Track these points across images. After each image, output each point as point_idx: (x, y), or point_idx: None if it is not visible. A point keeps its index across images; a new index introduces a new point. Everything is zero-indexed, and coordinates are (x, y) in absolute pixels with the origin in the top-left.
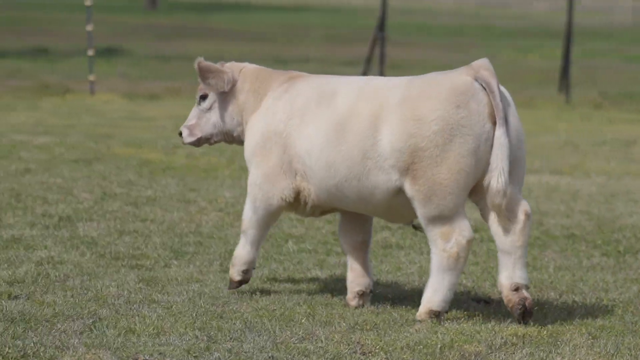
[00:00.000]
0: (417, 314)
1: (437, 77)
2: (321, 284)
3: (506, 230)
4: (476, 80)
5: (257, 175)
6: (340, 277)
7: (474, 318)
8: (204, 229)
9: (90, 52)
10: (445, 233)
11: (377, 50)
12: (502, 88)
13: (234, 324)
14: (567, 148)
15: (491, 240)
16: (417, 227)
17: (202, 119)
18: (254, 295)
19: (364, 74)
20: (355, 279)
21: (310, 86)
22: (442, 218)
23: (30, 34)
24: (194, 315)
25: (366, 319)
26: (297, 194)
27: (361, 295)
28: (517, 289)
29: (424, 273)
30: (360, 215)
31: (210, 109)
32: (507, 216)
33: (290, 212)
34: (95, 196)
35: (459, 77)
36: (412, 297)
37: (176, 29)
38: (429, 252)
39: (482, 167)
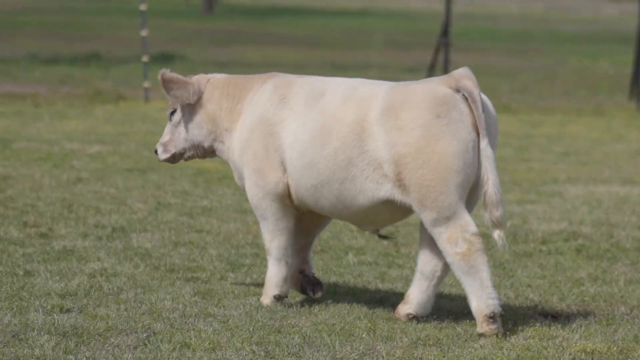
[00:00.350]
0: (477, 328)
1: (418, 86)
2: (382, 298)
3: (434, 257)
4: (458, 90)
5: (250, 174)
6: (402, 290)
7: (541, 333)
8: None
9: (145, 58)
10: (450, 237)
11: (441, 56)
12: (484, 97)
13: (293, 338)
14: (638, 157)
15: (559, 252)
16: (383, 236)
17: (174, 135)
18: (312, 309)
19: None
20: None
21: (295, 81)
22: (442, 220)
23: (84, 40)
24: (251, 329)
25: (429, 334)
26: (290, 191)
27: (301, 272)
28: (412, 317)
29: None
30: (313, 221)
31: (179, 123)
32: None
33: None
34: (149, 206)
35: (439, 89)
36: None
37: (233, 34)
38: (494, 265)
39: (472, 172)
